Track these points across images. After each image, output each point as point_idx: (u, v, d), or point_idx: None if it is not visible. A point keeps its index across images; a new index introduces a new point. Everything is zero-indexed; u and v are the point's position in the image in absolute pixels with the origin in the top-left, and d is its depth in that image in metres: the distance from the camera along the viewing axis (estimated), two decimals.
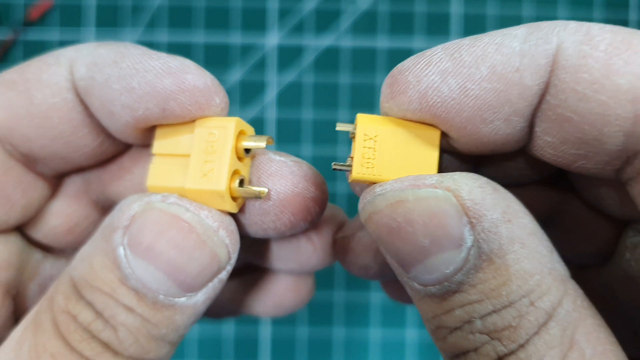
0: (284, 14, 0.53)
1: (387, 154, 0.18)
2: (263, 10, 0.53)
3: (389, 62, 0.53)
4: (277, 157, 0.20)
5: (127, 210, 0.18)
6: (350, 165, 0.19)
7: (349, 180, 0.19)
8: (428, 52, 0.18)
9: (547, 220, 0.24)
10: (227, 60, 0.53)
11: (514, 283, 0.15)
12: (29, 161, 0.22)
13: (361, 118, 0.19)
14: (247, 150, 0.19)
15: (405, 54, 0.53)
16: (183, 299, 0.18)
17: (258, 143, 0.19)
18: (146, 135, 0.21)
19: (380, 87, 0.56)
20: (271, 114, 0.53)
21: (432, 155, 0.18)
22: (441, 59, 0.17)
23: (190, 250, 0.18)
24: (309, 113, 0.53)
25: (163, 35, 0.53)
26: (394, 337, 0.52)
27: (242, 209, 0.20)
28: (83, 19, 0.53)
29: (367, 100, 0.53)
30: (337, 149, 0.53)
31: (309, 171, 0.20)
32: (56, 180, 0.24)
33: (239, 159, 0.19)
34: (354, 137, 0.19)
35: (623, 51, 0.15)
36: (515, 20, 0.53)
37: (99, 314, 0.17)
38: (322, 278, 0.53)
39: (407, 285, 0.18)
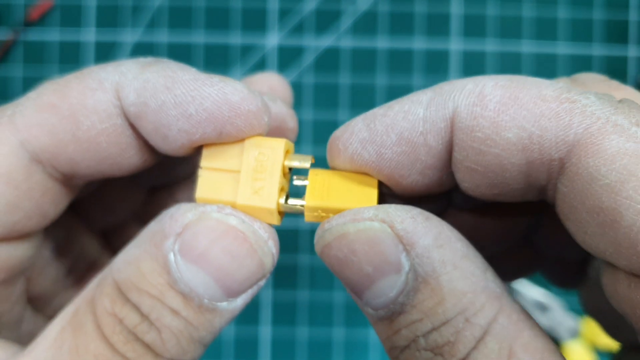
0: (284, 14, 0.53)
1: (335, 196, 0.21)
2: (263, 10, 0.53)
3: (389, 63, 0.53)
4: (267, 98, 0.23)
5: (180, 218, 0.19)
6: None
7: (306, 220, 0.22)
8: (352, 122, 0.21)
9: (536, 222, 0.26)
10: (227, 60, 0.53)
11: (448, 302, 0.17)
12: (66, 178, 0.22)
13: (312, 174, 0.22)
14: (290, 168, 0.22)
15: (406, 54, 0.53)
16: (225, 304, 0.19)
17: (303, 163, 0.21)
18: (193, 151, 0.22)
19: (380, 87, 0.56)
20: None
21: (373, 194, 0.21)
22: (360, 129, 0.20)
23: (242, 258, 0.19)
24: (309, 113, 0.53)
25: (163, 36, 0.53)
26: None
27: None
28: (83, 19, 0.53)
29: (367, 100, 0.53)
30: None
31: (286, 107, 0.23)
32: (83, 187, 0.25)
33: (284, 175, 0.21)
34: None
35: (509, 107, 0.18)
36: (515, 21, 0.53)
37: (144, 316, 0.18)
38: (322, 278, 0.53)
39: (364, 311, 0.20)
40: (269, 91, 0.24)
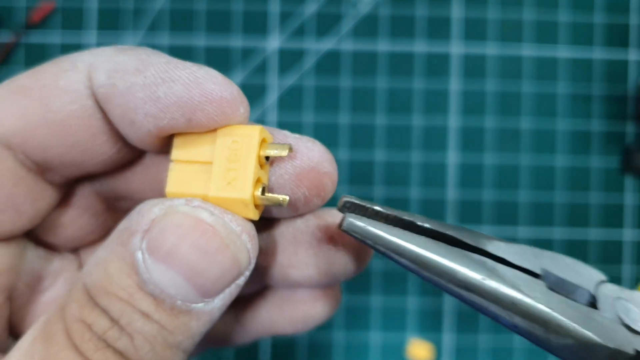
0: (285, 17, 0.53)
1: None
2: (264, 13, 0.53)
3: (390, 66, 0.53)
4: (292, 135, 0.21)
5: (146, 214, 0.18)
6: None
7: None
8: None
9: None
10: (228, 63, 0.53)
11: None
12: (40, 170, 0.21)
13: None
14: (267, 158, 0.20)
15: (406, 57, 0.53)
16: (200, 305, 0.18)
17: (280, 152, 0.19)
18: (164, 143, 0.21)
19: (381, 90, 0.56)
20: (272, 117, 0.53)
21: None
22: None
23: (213, 254, 0.18)
24: (309, 116, 0.53)
25: (164, 39, 0.53)
26: (394, 341, 0.52)
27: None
28: (85, 21, 0.53)
29: (367, 103, 0.53)
30: (338, 151, 0.53)
31: (322, 148, 0.21)
32: (65, 187, 0.23)
33: (260, 166, 0.20)
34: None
35: None
36: (516, 24, 0.53)
37: (114, 321, 0.17)
38: None
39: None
40: (307, 162, 0.22)
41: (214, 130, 0.20)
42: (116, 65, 0.19)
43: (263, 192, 0.20)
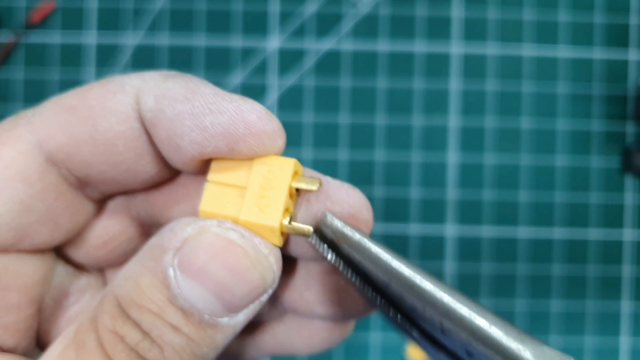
0: (285, 17, 0.53)
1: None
2: (264, 13, 0.53)
3: (390, 66, 0.53)
4: (334, 180, 0.22)
5: (179, 232, 0.19)
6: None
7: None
8: None
9: None
10: (228, 63, 0.53)
11: None
12: (80, 185, 0.22)
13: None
14: (297, 190, 0.21)
15: (407, 57, 0.53)
16: (226, 319, 0.19)
17: (310, 186, 0.21)
18: (202, 166, 0.22)
19: (381, 90, 0.56)
20: None
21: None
22: None
23: (242, 273, 0.19)
24: (309, 116, 0.53)
25: (164, 39, 0.53)
26: (394, 341, 0.52)
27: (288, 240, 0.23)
28: (84, 22, 0.53)
29: (367, 103, 0.53)
30: (338, 152, 0.53)
31: (361, 195, 0.22)
32: (101, 202, 0.24)
33: (290, 196, 0.21)
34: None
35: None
36: (516, 24, 0.53)
37: (145, 333, 0.18)
38: None
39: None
40: (348, 208, 0.22)
41: (252, 158, 0.21)
42: (164, 91, 0.20)
43: (290, 221, 0.21)
